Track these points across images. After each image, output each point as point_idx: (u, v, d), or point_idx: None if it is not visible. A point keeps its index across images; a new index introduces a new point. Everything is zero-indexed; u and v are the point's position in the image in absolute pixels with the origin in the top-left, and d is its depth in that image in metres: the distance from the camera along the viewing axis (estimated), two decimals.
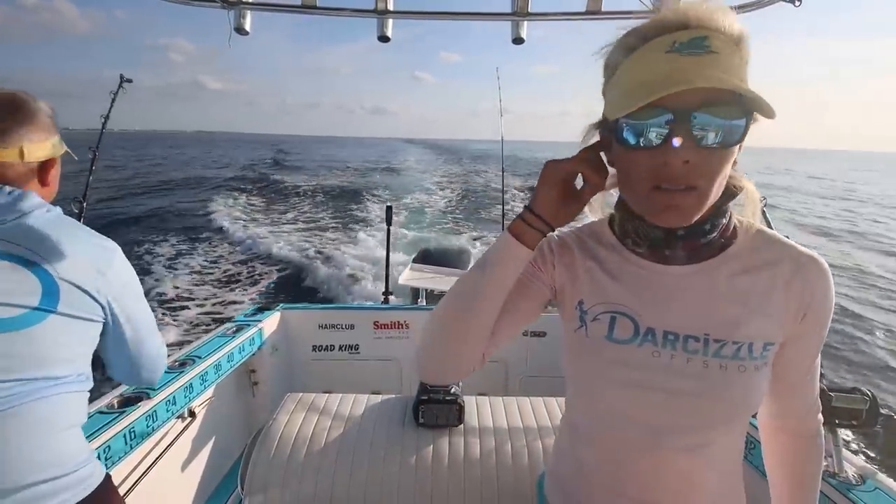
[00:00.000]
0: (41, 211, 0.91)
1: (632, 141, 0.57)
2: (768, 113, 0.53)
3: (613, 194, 0.73)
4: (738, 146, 0.57)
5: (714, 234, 0.66)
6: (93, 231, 0.98)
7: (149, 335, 1.05)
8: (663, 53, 0.54)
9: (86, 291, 0.88)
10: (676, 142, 0.54)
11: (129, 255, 1.03)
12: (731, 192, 0.66)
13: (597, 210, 0.76)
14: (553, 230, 0.66)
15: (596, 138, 0.68)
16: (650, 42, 0.56)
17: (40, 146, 0.96)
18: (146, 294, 1.06)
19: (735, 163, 0.61)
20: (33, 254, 0.83)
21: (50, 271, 0.84)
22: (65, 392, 0.86)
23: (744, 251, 0.67)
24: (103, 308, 0.93)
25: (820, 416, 0.77)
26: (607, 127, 0.64)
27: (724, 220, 0.67)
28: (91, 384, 0.94)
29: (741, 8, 1.74)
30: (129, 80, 2.01)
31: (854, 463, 1.22)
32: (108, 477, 0.95)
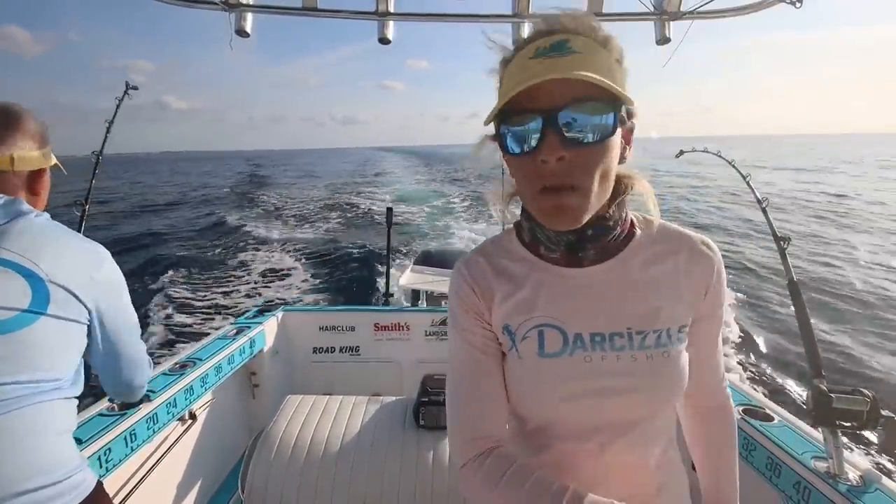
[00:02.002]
0: (31, 216, 0.92)
1: (512, 148, 0.60)
2: (627, 100, 0.57)
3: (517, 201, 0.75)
4: (613, 141, 0.59)
5: (618, 230, 0.68)
6: (83, 236, 0.99)
7: (131, 338, 1.05)
8: (528, 60, 0.58)
9: (74, 294, 0.89)
10: (549, 141, 0.56)
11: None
12: (622, 189, 0.69)
13: (503, 217, 0.77)
14: None
15: (493, 148, 0.68)
16: (520, 52, 0.60)
17: (30, 155, 0.99)
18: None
19: (624, 159, 0.64)
20: (23, 258, 0.84)
21: (40, 274, 0.84)
22: (55, 398, 0.85)
23: (645, 243, 0.71)
24: (90, 311, 0.93)
25: (726, 385, 0.82)
26: (497, 139, 0.65)
27: (623, 215, 0.70)
28: (81, 389, 0.93)
29: (743, 9, 1.74)
30: (135, 88, 2.02)
31: (855, 465, 1.22)
32: (99, 484, 0.94)
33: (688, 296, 0.69)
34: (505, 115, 0.60)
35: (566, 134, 0.56)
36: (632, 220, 0.72)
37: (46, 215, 0.96)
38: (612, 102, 0.57)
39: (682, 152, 1.90)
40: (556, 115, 0.56)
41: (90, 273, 0.92)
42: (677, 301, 0.69)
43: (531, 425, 0.73)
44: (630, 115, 0.63)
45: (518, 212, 0.75)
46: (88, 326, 0.94)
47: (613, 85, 0.55)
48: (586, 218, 0.62)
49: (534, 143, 0.58)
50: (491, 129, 0.66)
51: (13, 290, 0.81)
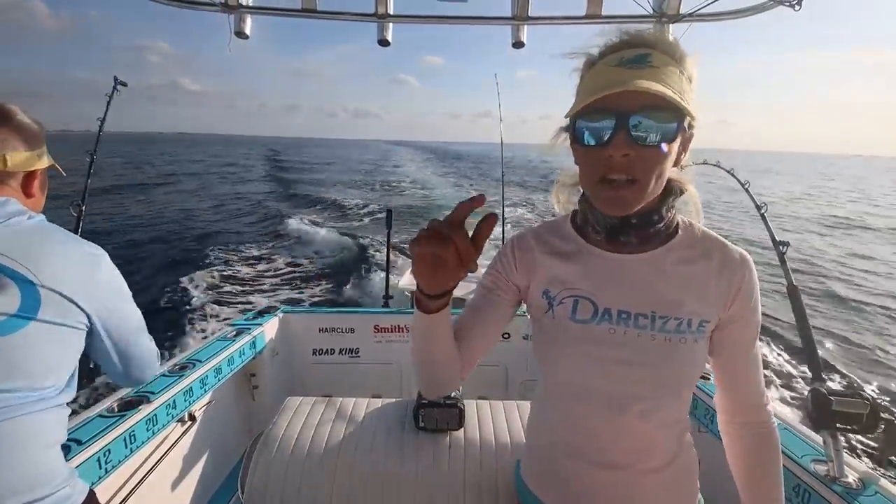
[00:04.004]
0: (22, 218, 0.89)
1: (584, 140, 0.70)
2: (690, 115, 0.66)
3: (577, 191, 0.87)
4: (675, 146, 0.69)
5: (661, 225, 0.77)
6: (78, 237, 0.96)
7: (137, 338, 1.04)
8: (612, 67, 0.67)
9: (69, 299, 0.86)
10: (618, 139, 0.66)
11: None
12: (675, 191, 0.78)
13: (562, 206, 0.90)
14: (446, 293, 0.69)
15: (564, 139, 0.79)
16: (605, 58, 0.69)
17: (23, 155, 0.95)
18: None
19: (681, 166, 0.75)
20: (13, 261, 0.81)
21: (31, 278, 0.81)
22: (45, 408, 0.83)
23: (684, 243, 0.79)
24: (88, 315, 0.90)
25: (767, 403, 0.85)
26: (571, 131, 0.75)
27: (669, 215, 0.78)
28: (73, 395, 0.90)
29: (741, 12, 1.75)
30: (124, 84, 1.99)
31: (855, 468, 1.22)
32: (91, 493, 0.92)
33: (713, 297, 0.76)
34: (582, 112, 0.68)
35: (633, 134, 0.66)
36: (678, 222, 0.81)
37: (41, 217, 0.94)
38: (676, 113, 0.66)
39: (682, 167, 1.97)
40: (626, 118, 0.65)
41: (87, 276, 0.90)
42: (701, 299, 0.76)
43: (555, 383, 0.84)
44: (691, 126, 0.71)
45: (576, 200, 0.87)
46: (89, 331, 0.92)
47: (681, 101, 0.63)
48: (636, 208, 0.72)
49: (605, 138, 0.67)
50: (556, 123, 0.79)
51: (1, 295, 0.78)
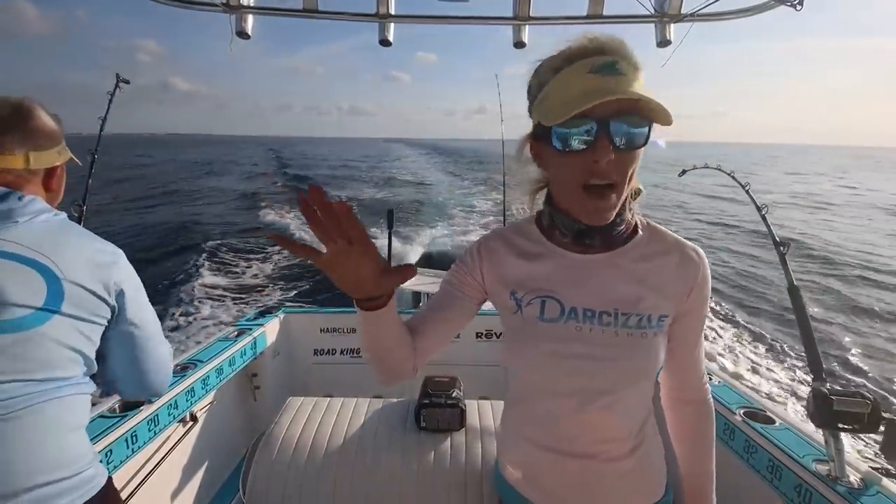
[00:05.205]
0: (48, 215, 0.92)
1: (562, 146, 0.71)
2: (665, 121, 0.68)
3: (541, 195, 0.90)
4: (641, 150, 0.72)
5: (622, 227, 0.81)
6: (97, 236, 0.99)
7: (155, 338, 1.05)
8: (585, 74, 0.68)
9: (92, 292, 0.89)
10: (601, 144, 0.68)
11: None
12: (632, 193, 0.82)
13: (532, 206, 0.92)
14: (381, 293, 0.71)
15: (527, 147, 0.82)
16: (574, 64, 0.70)
17: (45, 153, 0.98)
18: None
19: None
20: (40, 255, 0.84)
21: (56, 272, 0.85)
22: (71, 394, 0.86)
23: (642, 243, 0.83)
24: (111, 309, 0.93)
25: (706, 382, 0.93)
26: (539, 137, 0.78)
27: (629, 216, 0.82)
28: (94, 387, 0.94)
29: (743, 11, 1.74)
30: (127, 81, 1.99)
31: (857, 468, 1.22)
32: (110, 479, 0.95)
33: (671, 292, 0.81)
34: (558, 114, 0.69)
35: (614, 139, 0.68)
36: (637, 222, 0.84)
37: (63, 215, 0.97)
38: (647, 118, 0.69)
39: (684, 171, 2.04)
40: (607, 123, 0.67)
41: (107, 272, 0.93)
42: (660, 294, 0.80)
43: (524, 382, 0.87)
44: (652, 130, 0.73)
45: (541, 202, 0.88)
46: (107, 327, 0.94)
47: (659, 104, 0.65)
48: (615, 214, 0.75)
49: (585, 144, 0.69)
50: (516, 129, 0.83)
51: (29, 288, 0.81)
